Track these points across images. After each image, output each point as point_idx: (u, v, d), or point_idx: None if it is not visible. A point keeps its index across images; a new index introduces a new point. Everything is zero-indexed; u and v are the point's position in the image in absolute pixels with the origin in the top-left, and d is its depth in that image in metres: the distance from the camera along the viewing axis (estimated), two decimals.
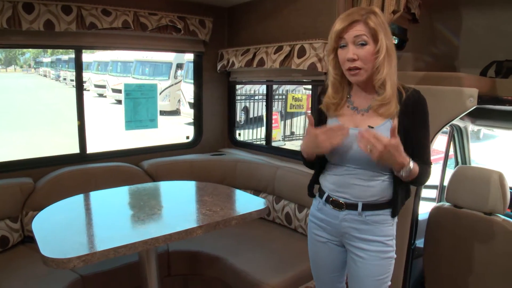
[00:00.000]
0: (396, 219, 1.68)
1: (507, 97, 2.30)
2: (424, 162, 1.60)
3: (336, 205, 1.67)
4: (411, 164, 1.51)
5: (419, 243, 2.62)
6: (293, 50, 2.80)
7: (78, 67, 3.00)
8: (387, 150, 1.42)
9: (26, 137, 8.59)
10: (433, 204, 3.60)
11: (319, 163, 1.76)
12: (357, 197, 1.63)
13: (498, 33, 3.10)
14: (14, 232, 2.51)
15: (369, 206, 1.62)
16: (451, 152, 3.59)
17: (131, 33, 3.04)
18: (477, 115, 2.93)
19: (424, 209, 2.81)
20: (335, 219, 1.69)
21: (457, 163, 3.59)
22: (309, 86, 5.60)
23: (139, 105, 3.34)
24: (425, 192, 3.87)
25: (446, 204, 2.60)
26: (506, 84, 2.53)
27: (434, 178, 3.58)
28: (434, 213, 2.62)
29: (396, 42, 3.32)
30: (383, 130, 1.54)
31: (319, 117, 1.76)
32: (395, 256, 1.68)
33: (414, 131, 1.58)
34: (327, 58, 1.67)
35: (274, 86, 9.06)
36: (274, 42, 3.00)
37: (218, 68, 3.59)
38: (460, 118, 2.42)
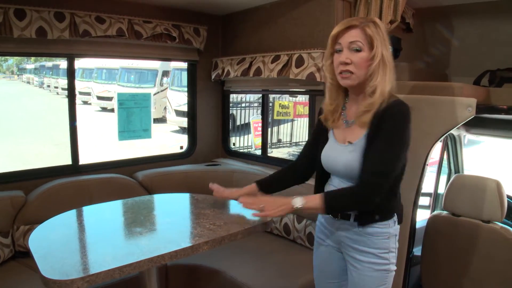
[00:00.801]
0: (393, 231, 1.65)
1: (502, 106, 2.32)
2: (362, 175, 1.54)
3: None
4: (296, 204, 1.57)
5: (416, 251, 2.63)
6: (291, 59, 2.78)
7: (71, 75, 2.93)
8: (270, 205, 1.62)
9: (10, 146, 8.38)
10: (426, 212, 3.64)
11: (320, 173, 1.78)
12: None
13: (489, 42, 3.14)
14: (5, 247, 2.42)
15: (361, 218, 1.62)
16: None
17: (125, 41, 3.00)
18: (472, 124, 2.95)
19: (419, 217, 2.81)
20: (332, 226, 1.73)
21: (450, 171, 3.62)
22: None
23: (132, 115, 3.28)
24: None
25: (444, 213, 2.62)
26: (500, 93, 2.56)
27: (427, 185, 3.62)
28: (432, 221, 2.64)
29: (390, 51, 3.34)
30: (360, 145, 1.58)
31: (319, 128, 1.79)
32: (392, 269, 1.66)
33: (374, 140, 1.54)
34: (324, 63, 1.69)
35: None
36: (270, 51, 2.98)
37: (213, 77, 3.55)
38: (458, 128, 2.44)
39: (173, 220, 2.01)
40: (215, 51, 3.62)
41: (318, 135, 1.79)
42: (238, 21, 3.44)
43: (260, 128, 8.72)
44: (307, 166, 1.88)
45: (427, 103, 2.26)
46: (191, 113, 3.67)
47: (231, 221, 1.91)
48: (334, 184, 1.71)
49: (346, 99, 1.71)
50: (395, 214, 1.65)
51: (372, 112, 1.54)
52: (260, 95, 9.68)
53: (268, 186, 1.92)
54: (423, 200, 3.85)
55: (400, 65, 2.90)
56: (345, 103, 1.71)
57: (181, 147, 3.75)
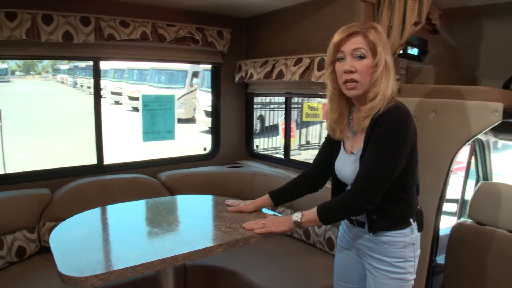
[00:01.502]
0: (410, 240, 1.61)
1: None
2: (353, 183, 1.54)
3: (350, 220, 1.72)
4: (295, 218, 1.63)
5: (440, 259, 2.56)
6: (313, 62, 2.77)
7: (96, 77, 3.01)
8: (272, 222, 1.70)
9: (44, 144, 8.69)
10: (453, 219, 3.54)
11: (335, 183, 1.79)
12: (364, 216, 1.63)
13: None
14: (31, 242, 2.52)
15: (373, 226, 1.61)
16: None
17: (149, 44, 3.05)
18: (500, 129, 2.85)
19: (444, 224, 2.74)
20: (351, 233, 1.74)
21: (478, 177, 3.51)
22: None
23: (156, 117, 3.34)
24: (445, 207, 3.80)
25: (469, 221, 2.54)
26: None
27: (454, 191, 3.52)
28: (456, 229, 2.56)
29: (416, 53, 3.28)
30: (359, 156, 1.57)
31: (329, 141, 1.79)
32: (410, 278, 1.62)
33: (367, 147, 1.52)
34: (325, 72, 1.65)
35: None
36: (293, 54, 2.97)
37: (236, 79, 3.57)
38: (483, 132, 2.37)
39: (190, 222, 2.03)
40: (239, 54, 3.64)
41: (330, 145, 1.78)
42: (261, 23, 3.45)
43: (291, 130, 8.77)
44: (319, 175, 1.88)
45: (451, 108, 2.20)
46: (215, 115, 3.70)
47: None
48: None
49: (352, 108, 1.68)
50: (413, 221, 1.62)
51: (370, 118, 1.52)
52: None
53: (281, 196, 1.95)
54: (451, 207, 3.75)
55: (424, 68, 2.84)
56: (352, 112, 1.68)
57: (205, 149, 3.78)
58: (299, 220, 1.62)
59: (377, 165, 1.49)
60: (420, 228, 1.64)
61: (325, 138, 1.84)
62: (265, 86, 3.58)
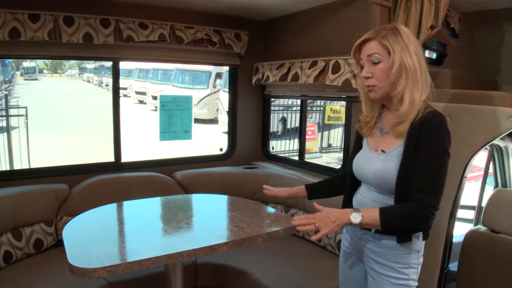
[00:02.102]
0: (416, 247, 1.60)
1: None
2: (416, 196, 1.47)
3: None
4: (354, 219, 1.50)
5: (453, 266, 2.51)
6: (328, 65, 2.78)
7: (115, 77, 3.10)
8: (324, 222, 1.52)
9: (68, 141, 8.93)
10: (470, 226, 3.47)
11: (350, 182, 1.78)
12: None
13: None
14: (48, 235, 2.61)
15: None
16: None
17: (167, 46, 3.11)
18: None
19: (461, 231, 2.70)
20: (355, 235, 1.72)
21: (496, 184, 3.43)
22: None
23: (174, 117, 3.41)
24: (462, 213, 3.73)
25: (483, 228, 2.49)
26: None
27: (471, 198, 3.45)
28: (470, 236, 2.51)
29: (434, 57, 3.24)
30: (393, 155, 1.55)
31: (358, 137, 1.80)
32: (412, 284, 1.61)
33: (416, 155, 1.49)
34: (358, 77, 1.69)
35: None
36: (309, 57, 2.99)
37: (253, 81, 3.60)
38: (500, 138, 2.32)
39: (198, 220, 2.07)
40: (256, 56, 3.68)
41: (359, 142, 1.79)
42: (279, 26, 3.47)
43: (310, 132, 8.76)
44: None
45: (466, 113, 2.17)
46: (232, 116, 3.74)
47: (254, 224, 1.94)
48: (362, 193, 1.70)
49: (382, 108, 1.70)
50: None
51: (407, 122, 1.51)
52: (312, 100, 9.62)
53: (316, 191, 1.95)
54: (468, 214, 3.68)
55: (442, 72, 2.80)
56: (381, 112, 1.70)
57: (221, 149, 3.83)
58: (358, 223, 1.51)
59: (440, 180, 1.48)
60: (425, 237, 1.63)
61: (355, 140, 1.83)
62: (281, 88, 3.60)
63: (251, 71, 3.66)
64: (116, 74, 3.08)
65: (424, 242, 1.64)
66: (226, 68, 3.79)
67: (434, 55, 3.19)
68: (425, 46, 3.24)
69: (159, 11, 3.01)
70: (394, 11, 2.59)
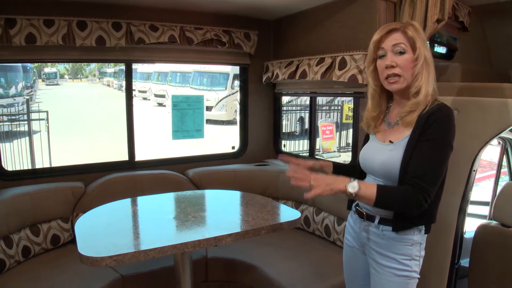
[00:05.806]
0: (418, 239, 1.61)
1: None
2: (413, 180, 1.47)
3: (359, 214, 1.73)
4: (351, 188, 1.45)
5: (465, 262, 2.49)
6: (335, 62, 2.80)
7: (128, 78, 3.19)
8: (319, 182, 1.44)
9: (88, 143, 9.12)
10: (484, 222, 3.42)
11: (358, 173, 1.80)
12: (376, 210, 1.64)
13: None
14: (64, 231, 2.71)
15: (386, 221, 1.61)
16: None
17: (178, 47, 3.19)
18: None
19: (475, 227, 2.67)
20: (358, 227, 1.75)
21: (511, 178, 3.38)
22: None
23: (186, 116, 3.48)
24: (476, 209, 3.68)
25: (493, 223, 2.46)
26: None
27: (485, 194, 3.41)
28: (480, 231, 2.48)
29: (445, 52, 3.22)
30: (401, 145, 1.56)
31: (367, 136, 1.82)
32: (414, 276, 1.63)
33: (418, 143, 1.51)
34: (366, 70, 1.70)
35: (330, 97, 9.07)
36: (316, 54, 3.01)
37: (264, 80, 3.65)
38: (511, 131, 2.30)
39: (206, 214, 2.14)
40: (266, 55, 3.72)
41: (367, 140, 1.82)
42: (287, 25, 3.51)
43: (328, 132, 8.72)
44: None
45: (474, 106, 2.17)
46: (244, 115, 3.80)
47: (259, 217, 1.99)
48: None
49: (389, 103, 1.72)
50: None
51: (417, 112, 1.54)
52: (330, 98, 9.63)
53: (340, 170, 1.87)
54: (483, 210, 3.63)
55: (451, 66, 2.79)
56: (389, 106, 1.72)
57: (233, 147, 3.88)
58: (354, 193, 1.46)
59: (438, 168, 1.50)
60: (427, 231, 1.64)
61: (364, 139, 1.86)
62: (291, 86, 3.63)
63: (261, 70, 3.70)
64: (129, 76, 3.17)
65: (426, 235, 1.65)
66: None
67: (444, 50, 3.18)
68: (435, 40, 3.23)
69: (168, 14, 3.08)
70: (400, 5, 2.60)
